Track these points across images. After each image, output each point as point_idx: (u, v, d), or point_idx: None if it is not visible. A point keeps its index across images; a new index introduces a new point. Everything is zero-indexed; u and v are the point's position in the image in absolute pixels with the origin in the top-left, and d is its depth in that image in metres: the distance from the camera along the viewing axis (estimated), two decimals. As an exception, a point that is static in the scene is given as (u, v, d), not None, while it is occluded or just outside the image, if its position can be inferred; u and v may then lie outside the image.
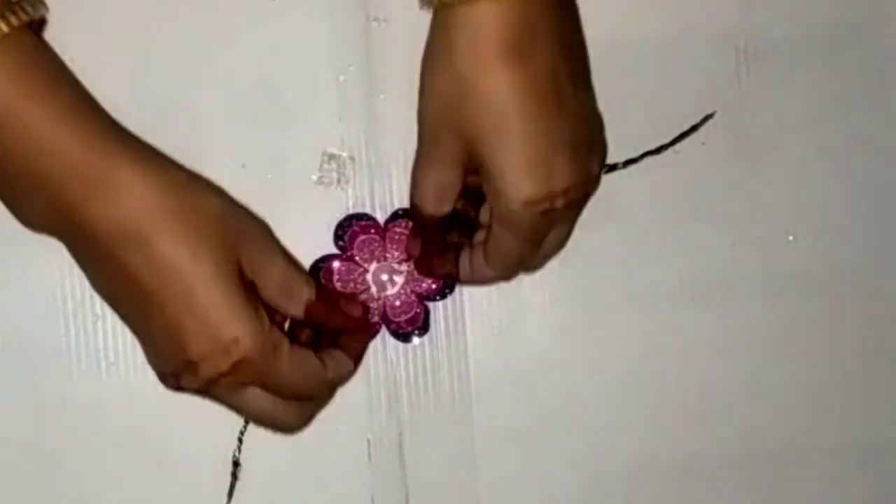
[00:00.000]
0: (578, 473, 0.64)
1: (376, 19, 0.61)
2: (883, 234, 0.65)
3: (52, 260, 0.60)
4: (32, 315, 0.60)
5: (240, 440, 0.61)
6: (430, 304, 0.62)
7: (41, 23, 0.53)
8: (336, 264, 0.61)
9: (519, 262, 0.57)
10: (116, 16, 0.56)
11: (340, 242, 0.61)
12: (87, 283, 0.60)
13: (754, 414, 0.64)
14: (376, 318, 0.62)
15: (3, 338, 0.60)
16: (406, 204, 0.61)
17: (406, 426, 0.62)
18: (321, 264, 0.61)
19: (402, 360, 0.62)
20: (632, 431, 0.64)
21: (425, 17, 0.61)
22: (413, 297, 0.62)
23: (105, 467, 0.61)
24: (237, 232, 0.53)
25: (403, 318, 0.62)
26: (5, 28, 0.49)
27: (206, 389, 0.54)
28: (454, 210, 0.57)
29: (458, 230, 0.59)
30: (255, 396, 0.55)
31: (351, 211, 0.62)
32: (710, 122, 0.63)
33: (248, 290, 0.53)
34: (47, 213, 0.52)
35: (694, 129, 0.63)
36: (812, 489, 0.65)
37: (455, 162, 0.55)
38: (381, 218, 0.62)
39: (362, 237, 0.61)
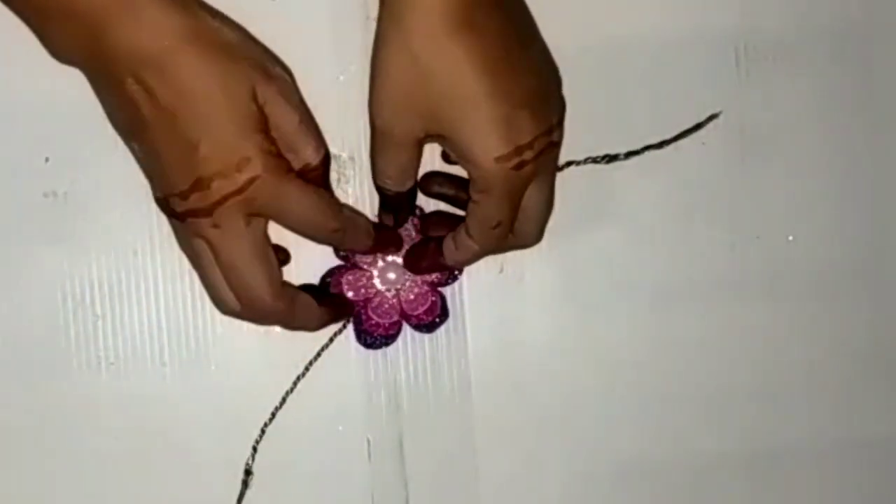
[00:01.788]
0: (578, 473, 0.64)
1: (376, 18, 0.61)
2: (883, 234, 0.65)
3: (52, 260, 0.60)
4: (32, 315, 0.60)
5: (254, 449, 0.61)
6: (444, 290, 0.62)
7: None
8: (344, 276, 0.61)
9: (499, 227, 0.57)
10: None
11: (342, 252, 0.61)
12: (87, 283, 0.60)
13: (755, 414, 0.64)
14: (396, 318, 0.62)
15: (3, 338, 0.60)
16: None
17: (406, 426, 0.62)
18: (328, 279, 0.61)
19: (402, 360, 0.62)
20: (632, 431, 0.64)
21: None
22: (426, 288, 0.62)
23: (105, 467, 0.61)
24: (256, 66, 0.54)
25: (421, 309, 0.62)
26: None
27: (212, 211, 0.54)
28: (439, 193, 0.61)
29: (437, 223, 0.61)
30: (241, 242, 0.55)
31: (351, 211, 0.62)
32: (710, 121, 0.63)
33: (262, 120, 0.54)
34: (72, 41, 0.53)
35: (698, 127, 0.63)
36: (812, 489, 0.65)
37: (412, 142, 0.56)
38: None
39: None
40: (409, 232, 0.61)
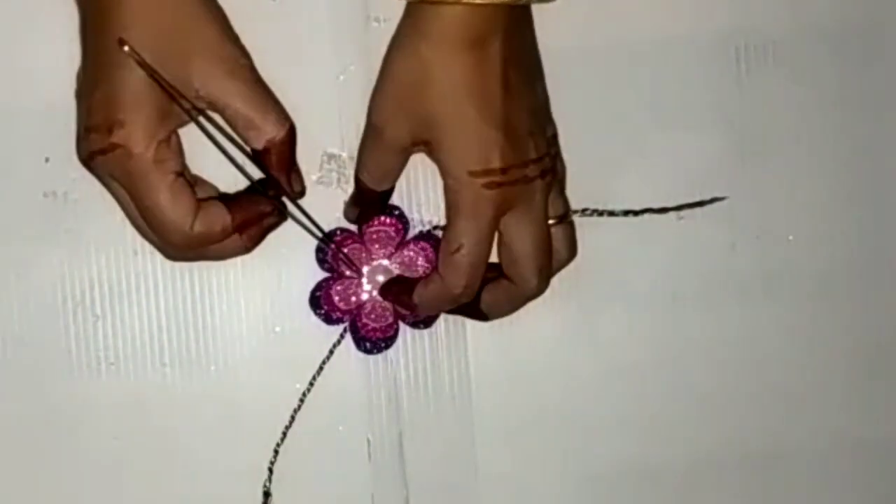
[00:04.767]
0: (578, 473, 0.64)
1: (376, 19, 0.61)
2: (883, 234, 0.65)
3: (52, 260, 0.60)
4: (32, 315, 0.60)
5: (270, 470, 0.61)
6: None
7: None
8: (332, 288, 0.61)
9: (460, 251, 0.56)
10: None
11: (326, 265, 0.61)
12: (87, 283, 0.60)
13: (755, 414, 0.64)
14: (391, 320, 0.62)
15: (3, 338, 0.60)
16: (393, 202, 0.62)
17: (406, 426, 0.62)
18: (318, 292, 0.61)
19: (402, 360, 0.62)
20: (632, 431, 0.64)
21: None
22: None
23: (105, 468, 0.61)
24: (201, 45, 0.55)
25: None
26: None
27: (87, 163, 0.55)
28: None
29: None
30: (123, 195, 0.55)
31: (351, 211, 0.62)
32: (710, 121, 0.63)
33: (173, 106, 0.54)
34: None
35: (700, 204, 0.63)
36: (812, 489, 0.65)
37: (401, 147, 0.57)
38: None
39: (345, 250, 0.61)
40: (389, 232, 0.62)
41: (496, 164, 0.55)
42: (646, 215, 0.63)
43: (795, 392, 0.65)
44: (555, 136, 0.59)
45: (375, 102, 0.57)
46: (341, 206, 0.62)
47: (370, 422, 0.62)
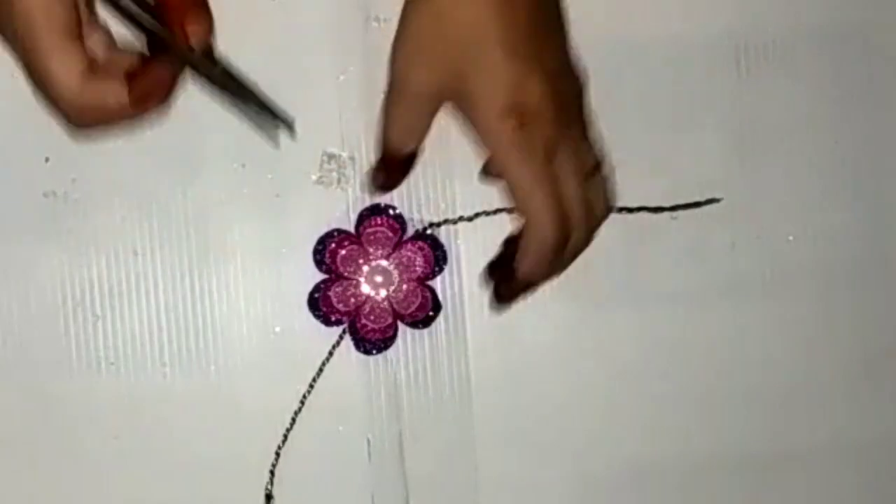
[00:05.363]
0: (578, 473, 0.64)
1: (376, 19, 0.62)
2: (883, 234, 0.65)
3: (52, 260, 0.60)
4: (32, 315, 0.60)
5: (272, 473, 0.61)
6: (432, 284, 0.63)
7: None
8: (331, 289, 0.61)
9: (533, 190, 0.55)
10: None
11: (323, 266, 0.61)
12: (87, 283, 0.60)
13: (754, 414, 0.64)
14: (390, 320, 0.62)
15: (3, 338, 0.60)
16: (393, 203, 0.62)
17: (406, 426, 0.62)
18: (317, 294, 0.61)
19: (402, 360, 0.62)
20: (632, 431, 0.64)
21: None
22: (415, 284, 0.62)
23: (105, 467, 0.61)
24: None
25: (414, 306, 0.62)
26: None
27: None
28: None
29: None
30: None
31: (351, 211, 0.62)
32: (710, 120, 0.63)
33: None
34: None
35: (697, 204, 0.63)
36: (812, 489, 0.65)
37: (427, 99, 0.56)
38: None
39: (343, 252, 0.61)
40: (386, 233, 0.62)
41: (530, 98, 0.54)
42: (641, 214, 0.63)
43: (795, 392, 0.65)
44: (583, 89, 0.58)
45: (397, 55, 0.56)
46: (341, 206, 0.62)
47: (370, 422, 0.62)
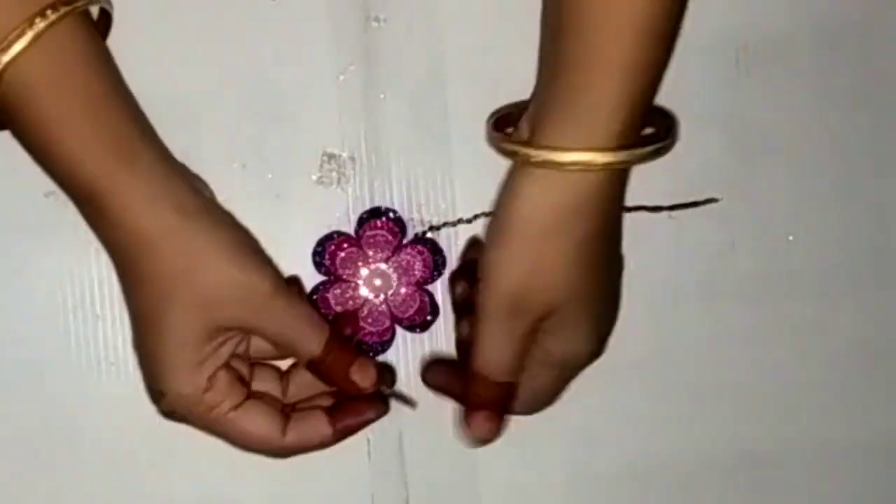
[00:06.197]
0: (578, 473, 0.64)
1: (376, 19, 0.62)
2: (882, 233, 0.65)
3: (52, 260, 0.60)
4: (32, 315, 0.60)
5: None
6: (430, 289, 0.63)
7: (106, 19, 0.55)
8: (330, 292, 0.61)
9: (550, 399, 0.60)
10: (115, 16, 0.56)
11: (322, 268, 0.61)
12: (86, 283, 0.60)
13: (754, 414, 0.64)
14: (388, 324, 0.62)
15: (3, 338, 0.60)
16: (393, 203, 0.62)
17: (406, 426, 0.62)
18: (314, 296, 0.62)
19: (401, 361, 0.62)
20: (632, 432, 0.64)
21: (425, 18, 0.61)
22: (413, 288, 0.62)
23: (105, 467, 0.61)
24: (218, 288, 0.53)
25: (412, 310, 0.62)
26: (53, 17, 0.50)
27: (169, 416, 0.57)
28: None
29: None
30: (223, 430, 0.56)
31: (351, 212, 0.62)
32: (710, 121, 0.63)
33: (209, 345, 0.54)
34: (73, 200, 0.54)
35: (695, 204, 0.63)
36: (812, 489, 0.65)
37: (524, 334, 0.55)
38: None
39: (342, 254, 0.61)
40: (386, 236, 0.61)
41: (606, 333, 0.58)
42: (639, 213, 0.63)
43: (795, 392, 0.65)
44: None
45: (495, 290, 0.54)
46: (341, 206, 0.62)
47: (370, 422, 0.62)
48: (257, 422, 0.56)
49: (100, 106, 0.52)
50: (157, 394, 0.55)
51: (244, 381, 0.57)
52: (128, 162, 0.52)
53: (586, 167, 0.51)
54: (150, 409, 0.60)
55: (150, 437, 0.61)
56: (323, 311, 0.61)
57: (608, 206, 0.53)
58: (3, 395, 0.60)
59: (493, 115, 0.59)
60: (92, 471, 0.61)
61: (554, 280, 0.53)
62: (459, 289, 0.60)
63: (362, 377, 0.57)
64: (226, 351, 0.55)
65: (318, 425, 0.57)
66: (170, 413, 0.56)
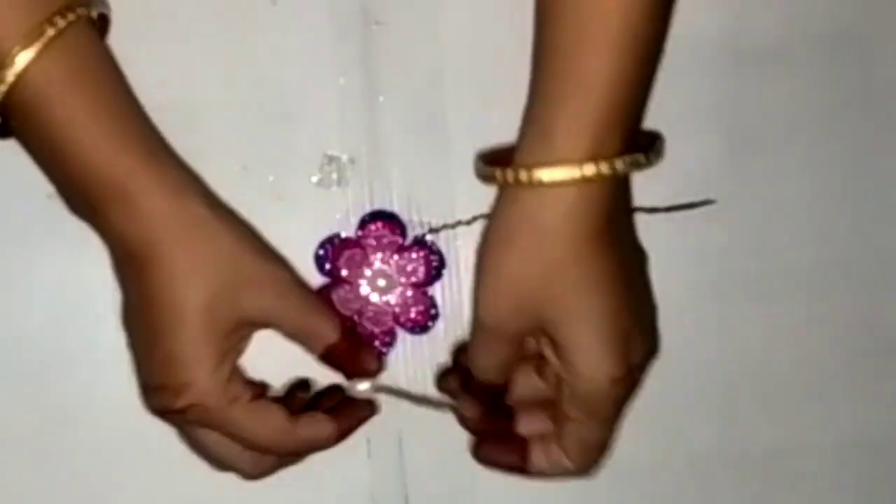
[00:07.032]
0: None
1: (376, 22, 0.62)
2: (881, 233, 0.65)
3: (52, 260, 0.60)
4: (32, 315, 0.60)
5: None
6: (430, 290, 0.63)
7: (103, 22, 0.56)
8: (333, 293, 0.61)
9: (600, 449, 0.57)
10: (115, 17, 0.57)
11: (325, 270, 0.61)
12: (86, 283, 0.60)
13: (753, 413, 0.64)
14: (390, 324, 0.62)
15: (3, 338, 0.60)
16: (393, 205, 0.62)
17: (406, 426, 0.62)
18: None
19: (402, 361, 0.62)
20: (631, 430, 0.63)
21: (425, 21, 0.62)
22: (414, 290, 0.62)
23: (105, 468, 0.61)
24: (245, 277, 0.55)
25: (414, 311, 0.62)
26: (62, 23, 0.51)
27: (161, 417, 0.56)
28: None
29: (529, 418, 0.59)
30: (212, 439, 0.56)
31: (351, 213, 0.62)
32: (710, 121, 0.63)
33: (232, 337, 0.55)
34: (78, 208, 0.55)
35: (692, 206, 0.63)
36: (812, 489, 0.65)
37: (520, 340, 0.56)
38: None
39: (344, 256, 0.61)
40: (387, 238, 0.62)
41: (635, 359, 0.55)
42: (636, 214, 0.63)
43: (794, 392, 0.64)
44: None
45: (488, 296, 0.55)
46: (342, 209, 0.62)
47: (370, 422, 0.62)
48: (274, 412, 0.56)
49: (116, 104, 0.53)
50: (179, 387, 0.54)
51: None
52: (154, 156, 0.53)
53: (559, 184, 0.51)
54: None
55: (151, 438, 0.61)
56: None
57: (598, 212, 0.52)
58: (3, 395, 0.60)
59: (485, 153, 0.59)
60: (92, 471, 0.61)
61: (571, 290, 0.53)
62: (452, 383, 0.61)
63: (370, 360, 0.59)
64: (244, 345, 0.56)
65: (322, 420, 0.58)
66: (168, 411, 0.55)
